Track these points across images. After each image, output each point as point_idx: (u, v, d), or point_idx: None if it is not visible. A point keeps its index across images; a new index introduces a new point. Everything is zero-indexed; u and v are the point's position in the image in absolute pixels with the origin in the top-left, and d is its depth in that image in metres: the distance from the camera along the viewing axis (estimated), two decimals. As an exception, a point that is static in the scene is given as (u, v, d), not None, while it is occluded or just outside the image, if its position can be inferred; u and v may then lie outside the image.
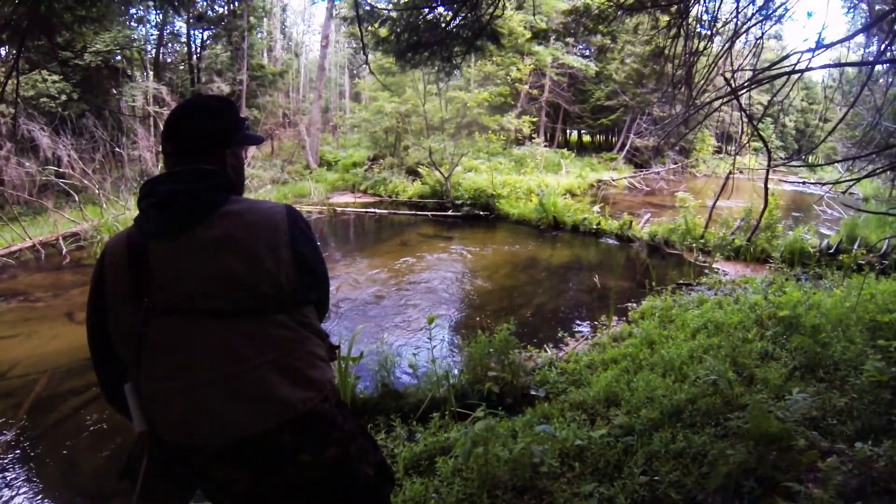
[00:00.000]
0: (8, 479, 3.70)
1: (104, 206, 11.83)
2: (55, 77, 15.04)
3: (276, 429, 1.33)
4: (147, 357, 1.32)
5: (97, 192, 12.16)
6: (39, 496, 3.56)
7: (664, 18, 4.77)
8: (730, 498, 2.60)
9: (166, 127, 1.47)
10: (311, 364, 1.43)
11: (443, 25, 4.55)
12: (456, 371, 4.31)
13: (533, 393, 4.04)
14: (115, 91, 17.91)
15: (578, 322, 6.58)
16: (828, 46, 3.94)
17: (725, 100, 4.39)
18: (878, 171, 5.12)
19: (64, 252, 9.84)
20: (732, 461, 2.80)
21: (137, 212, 1.42)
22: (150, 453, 1.34)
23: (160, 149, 15.82)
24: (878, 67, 4.61)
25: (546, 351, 5.25)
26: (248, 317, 1.35)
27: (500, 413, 3.71)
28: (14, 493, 3.56)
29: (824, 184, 12.95)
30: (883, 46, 3.89)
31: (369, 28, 4.33)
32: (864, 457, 2.72)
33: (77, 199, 11.91)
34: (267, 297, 1.36)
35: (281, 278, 1.38)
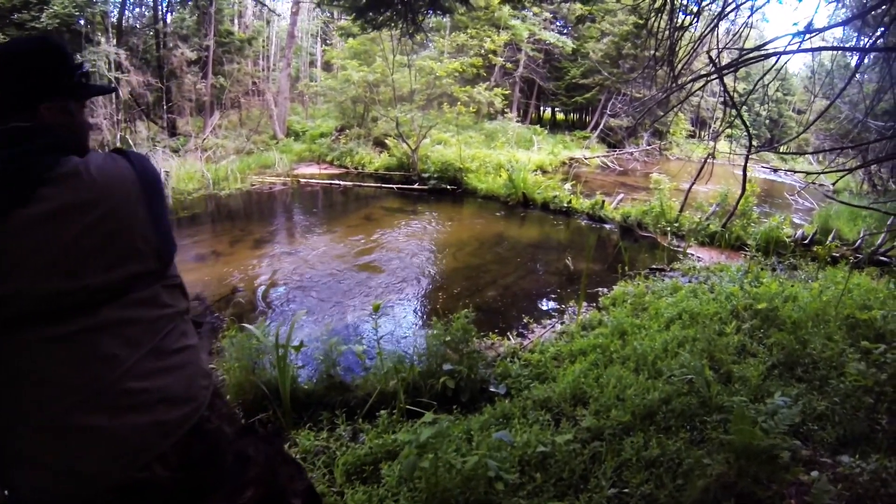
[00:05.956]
0: None
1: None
2: (11, 42, 14.06)
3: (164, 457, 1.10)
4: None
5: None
6: None
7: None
8: (707, 517, 2.33)
9: None
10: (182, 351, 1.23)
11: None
12: (408, 362, 3.92)
13: (493, 390, 3.70)
14: (76, 56, 16.82)
15: (546, 306, 6.27)
16: (817, 31, 3.81)
17: (710, 78, 4.14)
18: (860, 166, 4.96)
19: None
20: (710, 473, 2.54)
21: None
22: None
23: (121, 117, 14.84)
24: (859, 60, 4.44)
25: (509, 339, 4.92)
26: (111, 302, 1.09)
27: (455, 411, 3.40)
28: None
29: (806, 173, 12.87)
30: (873, 38, 3.74)
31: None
32: (850, 472, 2.50)
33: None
34: (139, 271, 1.15)
35: (138, 244, 1.14)
